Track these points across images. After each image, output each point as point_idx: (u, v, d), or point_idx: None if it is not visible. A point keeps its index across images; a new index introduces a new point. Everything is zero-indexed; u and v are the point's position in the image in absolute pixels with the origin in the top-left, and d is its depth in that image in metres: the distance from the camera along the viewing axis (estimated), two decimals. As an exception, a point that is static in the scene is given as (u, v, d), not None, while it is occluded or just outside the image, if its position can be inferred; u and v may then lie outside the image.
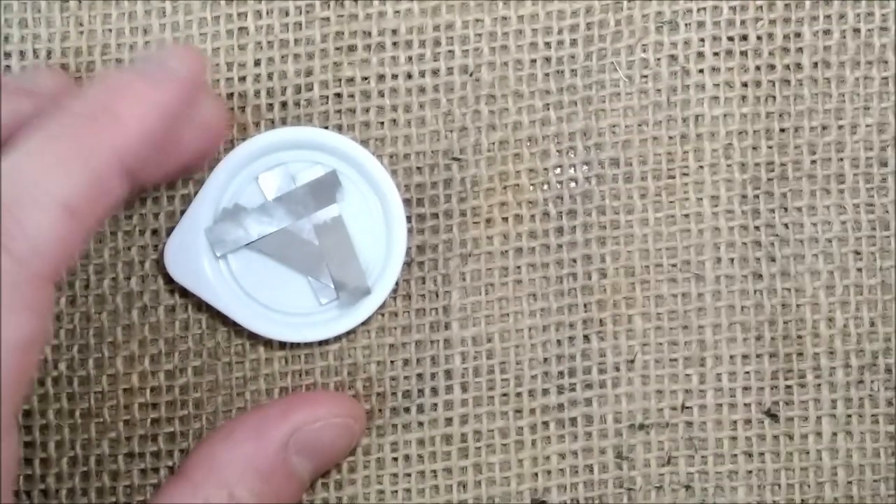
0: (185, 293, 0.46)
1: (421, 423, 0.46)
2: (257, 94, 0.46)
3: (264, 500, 0.38)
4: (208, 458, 0.38)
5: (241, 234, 0.45)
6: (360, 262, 0.45)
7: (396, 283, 0.45)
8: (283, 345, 0.46)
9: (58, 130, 0.34)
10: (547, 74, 0.46)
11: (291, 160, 0.45)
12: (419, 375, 0.46)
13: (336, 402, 0.43)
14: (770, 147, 0.46)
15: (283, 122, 0.46)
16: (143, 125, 0.35)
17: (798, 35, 0.46)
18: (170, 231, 0.45)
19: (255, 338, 0.46)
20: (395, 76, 0.46)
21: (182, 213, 0.46)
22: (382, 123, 0.46)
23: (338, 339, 0.46)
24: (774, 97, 0.46)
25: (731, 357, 0.46)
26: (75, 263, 0.46)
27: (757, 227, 0.46)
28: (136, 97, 0.35)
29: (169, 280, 0.45)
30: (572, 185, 0.46)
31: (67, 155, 0.33)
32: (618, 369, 0.45)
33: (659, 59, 0.46)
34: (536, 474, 0.46)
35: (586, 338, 0.46)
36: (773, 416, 0.45)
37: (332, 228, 0.45)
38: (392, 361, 0.46)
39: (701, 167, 0.46)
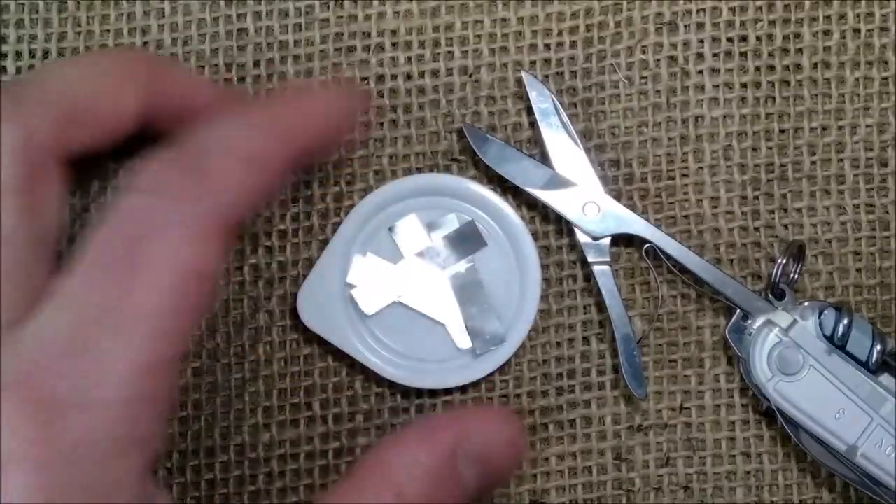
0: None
1: (420, 424, 0.46)
2: (257, 95, 0.46)
3: None
4: (377, 460, 0.38)
5: (385, 290, 0.45)
6: (495, 310, 0.45)
7: (532, 329, 0.45)
8: (282, 346, 0.46)
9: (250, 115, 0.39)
10: (547, 76, 0.46)
11: (423, 207, 0.45)
12: (418, 376, 0.46)
13: (506, 419, 0.41)
14: (770, 148, 0.46)
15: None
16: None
17: (798, 36, 0.46)
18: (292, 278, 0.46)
19: (255, 340, 0.46)
20: (394, 77, 0.46)
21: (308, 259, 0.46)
22: (382, 124, 0.46)
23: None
24: (774, 98, 0.46)
25: (730, 358, 0.46)
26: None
27: (757, 229, 0.46)
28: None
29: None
30: (572, 186, 0.46)
31: (256, 123, 0.38)
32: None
33: (658, 61, 0.46)
34: (535, 475, 0.46)
35: (585, 339, 0.46)
36: (771, 417, 0.45)
37: (467, 276, 0.45)
38: (391, 362, 0.46)
39: (701, 168, 0.46)
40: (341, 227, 0.45)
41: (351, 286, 0.45)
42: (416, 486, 0.37)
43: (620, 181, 0.46)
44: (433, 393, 0.46)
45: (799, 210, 0.46)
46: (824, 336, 0.44)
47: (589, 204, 0.45)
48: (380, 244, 0.45)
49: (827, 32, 0.46)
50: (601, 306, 0.45)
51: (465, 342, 0.45)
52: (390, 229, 0.45)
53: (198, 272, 0.34)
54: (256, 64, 0.46)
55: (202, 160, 0.35)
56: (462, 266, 0.45)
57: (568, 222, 0.45)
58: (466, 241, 0.45)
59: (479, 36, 0.46)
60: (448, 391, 0.46)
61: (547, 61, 0.46)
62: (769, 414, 0.45)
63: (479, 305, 0.45)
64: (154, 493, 0.35)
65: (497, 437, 0.39)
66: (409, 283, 0.45)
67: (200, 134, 0.36)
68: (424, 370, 0.45)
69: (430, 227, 0.45)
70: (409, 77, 0.46)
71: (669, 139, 0.46)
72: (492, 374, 0.45)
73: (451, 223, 0.45)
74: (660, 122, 0.46)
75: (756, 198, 0.46)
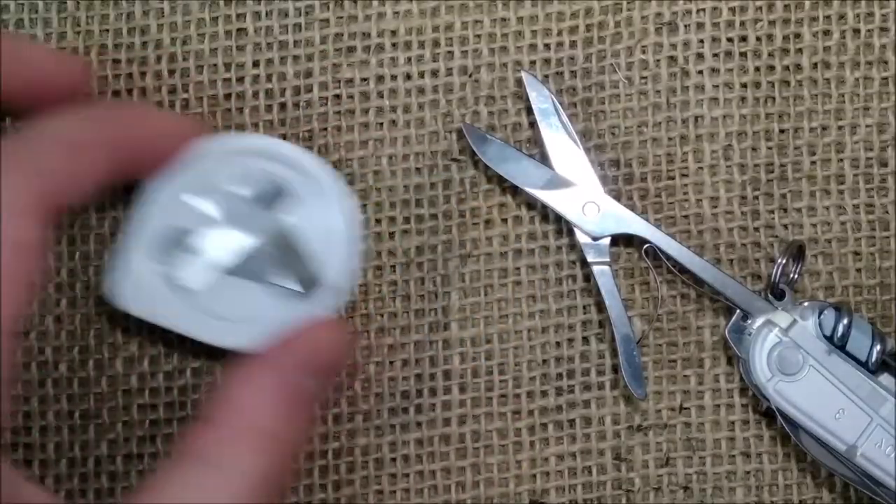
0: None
1: (420, 424, 0.46)
2: (256, 95, 0.46)
3: (291, 424, 0.39)
4: (228, 399, 0.39)
5: (202, 258, 0.44)
6: (318, 261, 0.44)
7: (358, 282, 0.45)
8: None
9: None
10: (546, 76, 0.46)
11: (227, 169, 0.44)
12: (418, 376, 0.46)
13: (330, 324, 0.43)
14: (770, 148, 0.46)
15: (283, 123, 0.46)
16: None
17: (798, 36, 0.46)
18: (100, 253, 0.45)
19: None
20: (394, 77, 0.46)
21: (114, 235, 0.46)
22: (382, 124, 0.46)
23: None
24: (774, 98, 0.46)
25: (729, 358, 0.46)
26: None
27: (756, 229, 0.46)
28: None
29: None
30: (571, 186, 0.46)
31: (87, 116, 0.40)
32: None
33: (658, 61, 0.46)
34: (535, 475, 0.46)
35: (585, 339, 0.46)
36: (771, 417, 0.45)
37: (284, 233, 0.44)
38: (391, 362, 0.46)
39: (700, 168, 0.46)
40: (144, 200, 0.43)
41: (168, 261, 0.44)
42: (269, 412, 0.38)
43: (620, 181, 0.46)
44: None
45: (799, 210, 0.46)
46: (824, 336, 0.44)
47: (589, 204, 0.45)
48: (191, 214, 0.44)
49: (827, 32, 0.46)
50: (601, 306, 0.45)
51: (293, 297, 0.44)
52: (200, 197, 0.44)
53: (20, 246, 0.35)
54: (256, 64, 0.46)
55: (27, 142, 0.37)
56: (278, 223, 0.44)
57: (568, 222, 0.45)
58: (278, 198, 0.45)
59: (478, 36, 0.46)
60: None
61: (547, 61, 0.46)
62: (769, 414, 0.45)
63: (300, 259, 0.44)
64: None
65: (326, 342, 0.41)
66: (226, 248, 0.44)
67: (33, 121, 0.38)
68: (259, 332, 0.43)
69: (241, 189, 0.44)
70: (408, 77, 0.46)
71: (669, 139, 0.46)
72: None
73: (261, 183, 0.44)
74: (660, 122, 0.46)
75: (756, 198, 0.46)
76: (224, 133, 0.46)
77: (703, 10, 0.46)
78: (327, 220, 0.44)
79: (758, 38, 0.46)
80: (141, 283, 0.43)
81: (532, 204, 0.46)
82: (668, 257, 0.45)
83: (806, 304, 0.44)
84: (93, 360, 0.46)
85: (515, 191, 0.46)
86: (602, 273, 0.45)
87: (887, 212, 0.46)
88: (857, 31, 0.46)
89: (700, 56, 0.46)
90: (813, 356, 0.43)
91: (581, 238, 0.45)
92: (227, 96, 0.46)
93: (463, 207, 0.46)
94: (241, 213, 0.44)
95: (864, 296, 0.46)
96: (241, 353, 0.42)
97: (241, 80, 0.46)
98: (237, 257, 0.44)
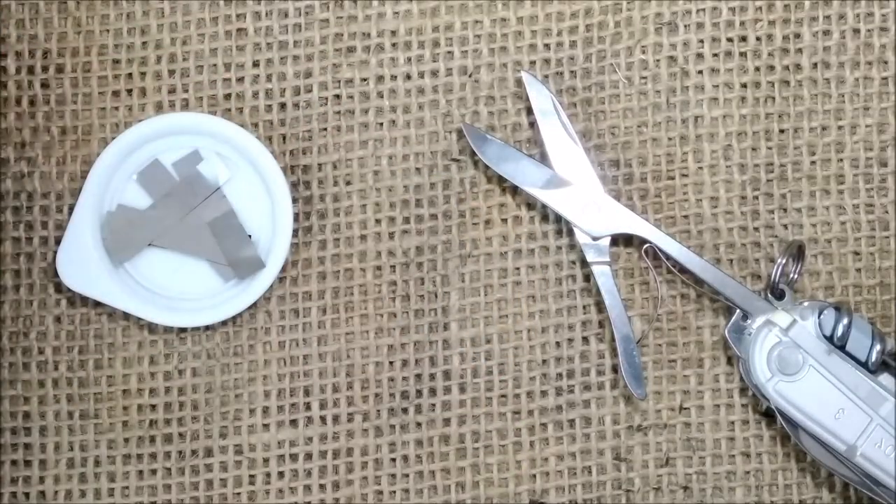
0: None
1: (419, 424, 0.46)
2: (255, 95, 0.46)
3: None
4: None
5: (137, 237, 0.45)
6: (251, 238, 0.45)
7: (291, 251, 0.45)
8: (281, 346, 0.46)
9: None
10: (546, 76, 0.46)
11: (164, 149, 0.45)
12: (417, 376, 0.46)
13: None
14: (770, 148, 0.46)
15: (283, 123, 0.46)
16: None
17: (798, 36, 0.46)
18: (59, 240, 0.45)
19: (253, 339, 0.46)
20: (394, 77, 0.46)
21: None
22: (381, 124, 0.46)
23: (336, 339, 0.46)
24: (774, 98, 0.46)
25: (729, 358, 0.46)
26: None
27: (756, 229, 0.46)
28: None
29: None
30: (571, 186, 0.46)
31: None
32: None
33: (658, 61, 0.46)
34: (535, 475, 0.46)
35: (585, 340, 0.46)
36: (771, 417, 0.45)
37: (219, 210, 0.45)
38: (391, 362, 0.46)
39: (700, 168, 0.46)
40: (86, 185, 0.45)
41: (106, 239, 0.45)
42: None
43: (620, 181, 0.46)
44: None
45: (799, 210, 0.46)
46: (824, 336, 0.44)
47: (589, 204, 0.45)
48: (129, 193, 0.45)
49: (827, 32, 0.46)
50: (601, 306, 0.45)
51: (227, 273, 0.45)
52: (136, 176, 0.45)
53: None
54: (255, 64, 0.46)
55: None
56: (212, 200, 0.45)
57: (568, 222, 0.45)
58: (205, 176, 0.45)
59: (478, 36, 0.46)
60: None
61: (547, 61, 0.46)
62: (769, 414, 0.45)
63: (234, 235, 0.45)
64: None
65: None
66: (162, 225, 0.45)
67: None
68: (195, 308, 0.45)
69: (172, 167, 0.45)
70: (408, 77, 0.46)
71: (669, 139, 0.46)
72: (262, 299, 0.45)
73: (194, 160, 0.45)
74: (660, 122, 0.46)
75: (756, 198, 0.46)
76: (168, 112, 0.46)
77: (703, 10, 0.46)
78: (263, 199, 0.45)
79: (758, 38, 0.46)
80: (87, 262, 0.44)
81: (532, 204, 0.46)
82: (668, 257, 0.45)
83: (806, 304, 0.44)
84: (93, 360, 0.46)
85: (515, 191, 0.46)
86: (602, 273, 0.45)
87: (887, 212, 0.46)
88: (857, 31, 0.46)
89: (700, 56, 0.46)
90: (813, 356, 0.43)
91: (581, 238, 0.45)
92: (227, 96, 0.46)
93: (463, 207, 0.46)
94: (182, 193, 0.45)
95: (864, 296, 0.46)
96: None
97: (241, 80, 0.46)
98: (177, 236, 0.45)
